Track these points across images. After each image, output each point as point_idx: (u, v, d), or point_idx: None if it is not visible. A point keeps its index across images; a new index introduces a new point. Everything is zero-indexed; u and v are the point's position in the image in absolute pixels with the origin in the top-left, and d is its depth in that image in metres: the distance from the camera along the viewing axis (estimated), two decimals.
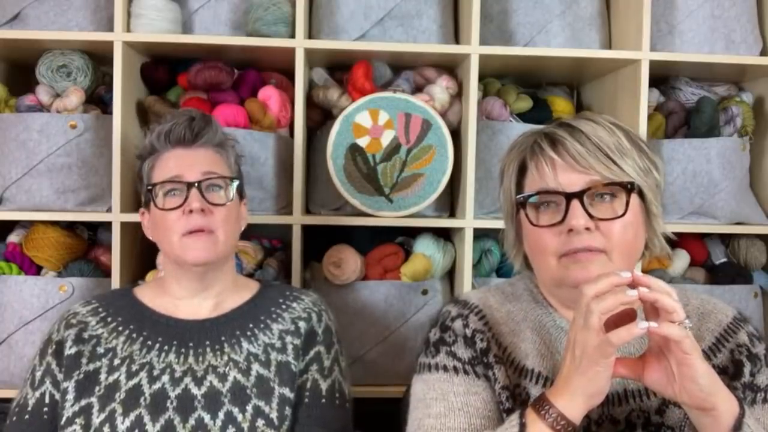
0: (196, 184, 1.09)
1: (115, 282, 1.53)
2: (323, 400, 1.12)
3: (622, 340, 0.74)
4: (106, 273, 1.57)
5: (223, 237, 1.11)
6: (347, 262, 1.57)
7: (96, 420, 1.04)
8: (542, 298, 0.99)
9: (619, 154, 0.89)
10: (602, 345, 0.75)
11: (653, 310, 0.77)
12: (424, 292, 1.62)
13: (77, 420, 1.04)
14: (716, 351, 0.94)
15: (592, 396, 0.78)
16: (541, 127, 0.98)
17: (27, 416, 1.07)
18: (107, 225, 1.55)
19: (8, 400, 1.16)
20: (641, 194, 0.91)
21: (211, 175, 1.11)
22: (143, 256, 1.63)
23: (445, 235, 1.71)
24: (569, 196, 0.88)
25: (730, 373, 0.91)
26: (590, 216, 0.87)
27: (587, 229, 0.87)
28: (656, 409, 0.91)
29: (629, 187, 0.89)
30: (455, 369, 0.93)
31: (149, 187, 1.12)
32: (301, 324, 1.15)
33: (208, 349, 1.11)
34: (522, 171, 0.96)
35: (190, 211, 1.08)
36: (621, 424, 0.91)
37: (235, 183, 1.14)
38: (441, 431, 0.88)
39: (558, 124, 0.95)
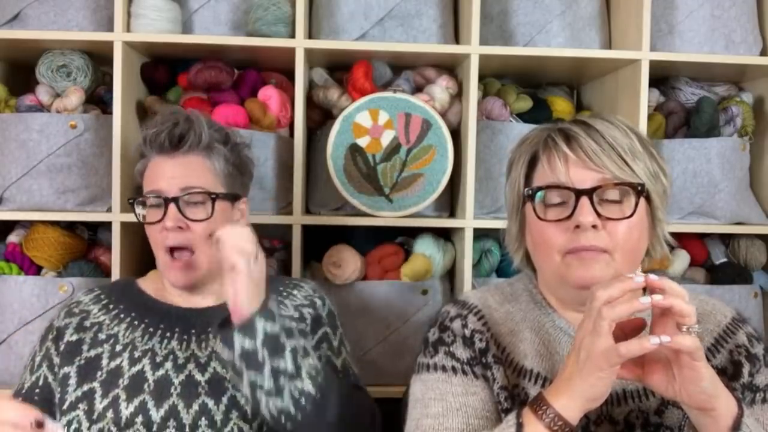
0: (173, 200, 1.08)
1: None
2: (339, 375, 1.14)
3: (632, 353, 0.74)
4: (106, 273, 1.57)
5: (204, 256, 1.10)
6: (347, 262, 1.56)
7: (99, 405, 1.05)
8: (541, 299, 0.99)
9: (631, 155, 0.89)
10: (609, 352, 0.74)
11: (662, 313, 0.76)
12: (424, 292, 1.61)
13: (80, 405, 1.05)
14: (715, 352, 0.94)
15: (590, 400, 0.78)
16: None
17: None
18: (107, 225, 1.55)
19: None
20: (648, 198, 0.91)
21: (190, 190, 1.10)
22: (143, 255, 1.63)
23: (445, 235, 1.71)
24: (579, 193, 0.88)
25: (729, 374, 0.91)
26: (598, 215, 0.87)
27: (594, 227, 0.87)
28: (655, 410, 0.91)
29: (639, 189, 0.88)
30: (454, 369, 0.93)
31: (130, 201, 1.14)
32: (306, 311, 1.16)
33: (210, 336, 1.11)
34: (532, 164, 0.96)
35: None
36: (620, 424, 0.91)
37: (219, 197, 1.11)
38: (439, 431, 0.88)
39: (573, 121, 0.94)
